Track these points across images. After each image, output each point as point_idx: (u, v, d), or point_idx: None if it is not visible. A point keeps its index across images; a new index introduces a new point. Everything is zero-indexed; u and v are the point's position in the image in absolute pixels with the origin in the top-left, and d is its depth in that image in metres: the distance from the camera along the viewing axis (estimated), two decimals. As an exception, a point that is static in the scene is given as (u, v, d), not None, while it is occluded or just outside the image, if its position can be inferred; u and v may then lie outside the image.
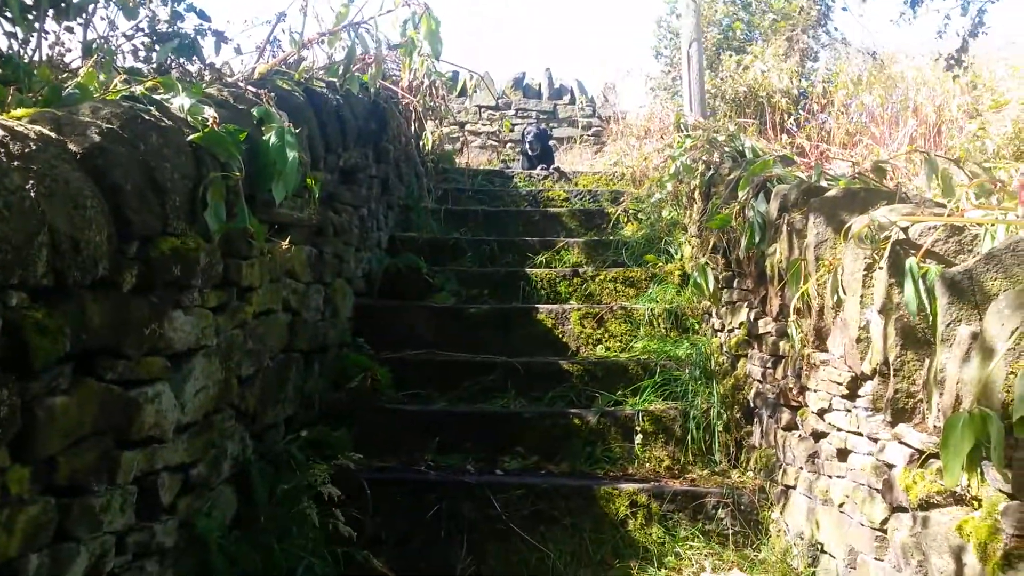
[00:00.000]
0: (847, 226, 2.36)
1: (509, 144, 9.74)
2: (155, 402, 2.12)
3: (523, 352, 4.19)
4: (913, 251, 2.00)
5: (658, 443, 3.53)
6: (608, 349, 4.35)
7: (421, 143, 5.82)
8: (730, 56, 9.78)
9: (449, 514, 3.00)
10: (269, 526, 2.57)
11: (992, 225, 1.98)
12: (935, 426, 1.87)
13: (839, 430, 2.46)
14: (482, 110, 10.06)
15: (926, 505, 1.87)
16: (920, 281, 1.93)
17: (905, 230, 2.06)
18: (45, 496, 1.68)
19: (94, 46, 3.52)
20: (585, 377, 3.92)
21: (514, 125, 9.78)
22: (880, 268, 2.11)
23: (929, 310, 1.95)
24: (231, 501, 2.66)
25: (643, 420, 3.54)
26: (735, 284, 3.76)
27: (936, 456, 1.87)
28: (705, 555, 2.88)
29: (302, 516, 2.60)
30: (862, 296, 2.26)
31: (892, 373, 2.05)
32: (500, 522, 2.98)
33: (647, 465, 3.47)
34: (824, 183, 2.93)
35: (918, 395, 2.02)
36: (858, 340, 2.27)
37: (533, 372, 3.95)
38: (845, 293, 2.35)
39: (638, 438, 3.52)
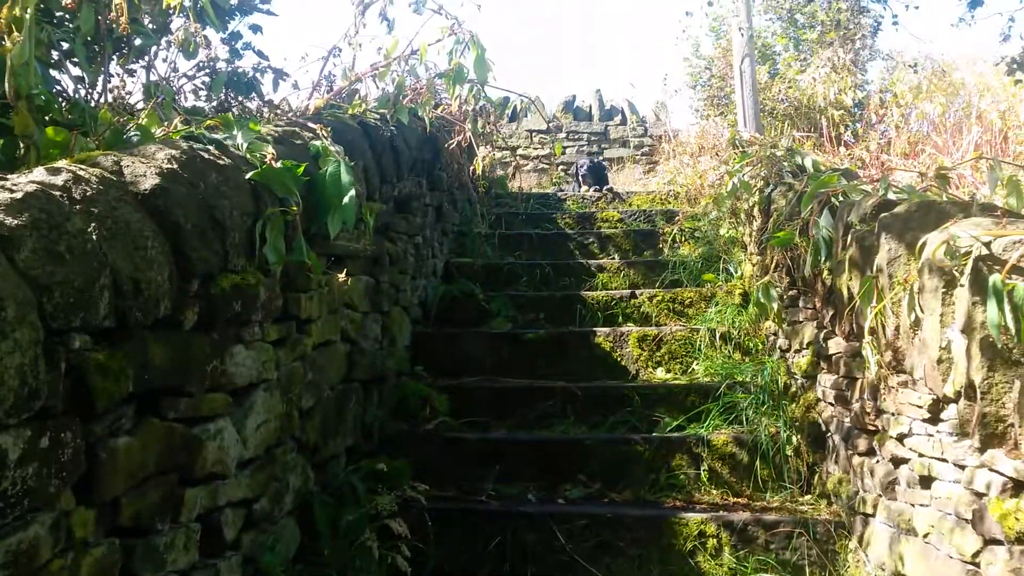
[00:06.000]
0: (922, 242, 2.25)
1: (561, 167, 9.73)
2: (217, 439, 2.12)
3: (581, 376, 4.13)
4: (997, 267, 1.89)
5: (724, 470, 3.41)
6: (668, 372, 4.25)
7: (472, 168, 5.83)
8: (788, 66, 9.60)
9: (512, 545, 2.94)
10: (332, 560, 2.55)
11: (1084, 237, 1.85)
12: (1031, 454, 1.74)
13: (921, 456, 2.33)
14: (533, 134, 10.08)
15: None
16: (1006, 298, 1.81)
17: (987, 244, 1.95)
18: (109, 538, 1.68)
19: (155, 88, 3.62)
20: (645, 401, 3.83)
21: (565, 148, 9.75)
22: (961, 286, 2.00)
23: (1016, 329, 1.83)
24: (294, 534, 2.65)
25: (708, 447, 3.43)
26: (800, 303, 3.63)
27: (1033, 486, 1.75)
28: (780, 588, 2.75)
29: (364, 549, 2.58)
30: (942, 315, 2.13)
31: (979, 396, 1.93)
32: (564, 553, 2.91)
33: (713, 492, 3.36)
34: (892, 196, 2.81)
35: (1008, 419, 1.90)
36: (939, 361, 2.15)
37: (592, 397, 3.88)
38: (923, 312, 2.23)
39: (703, 465, 3.41)
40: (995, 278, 1.83)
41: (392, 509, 2.73)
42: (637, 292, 4.83)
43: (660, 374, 4.23)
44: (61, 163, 1.82)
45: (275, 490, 2.51)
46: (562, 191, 7.84)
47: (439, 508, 3.04)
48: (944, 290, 2.12)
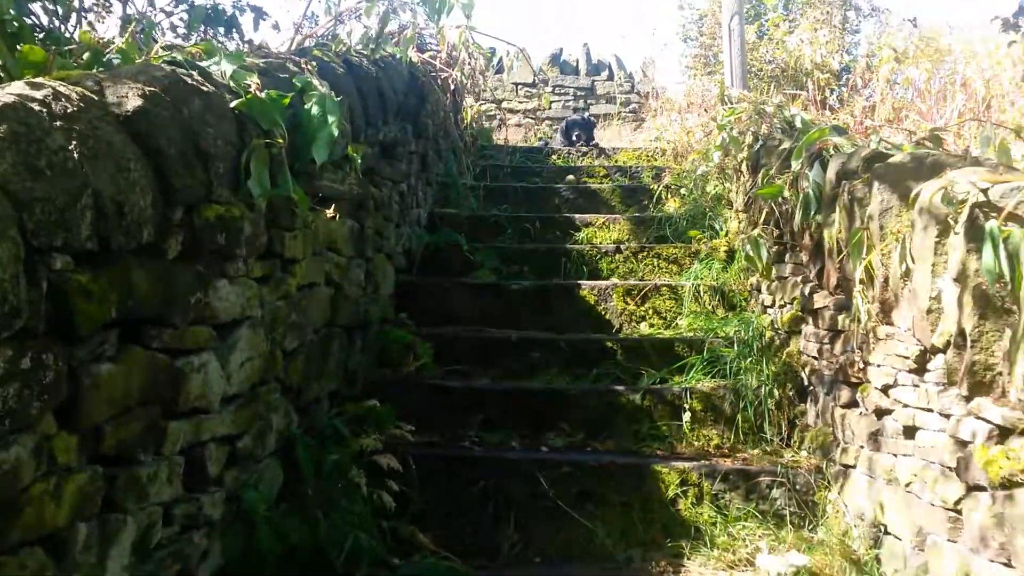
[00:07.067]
0: (916, 192, 2.23)
1: (547, 121, 9.61)
2: (201, 372, 2.08)
3: (565, 329, 4.12)
4: (994, 214, 1.88)
5: (707, 422, 3.43)
6: (652, 326, 4.25)
7: (459, 119, 5.74)
8: (776, 27, 9.51)
9: (495, 491, 2.94)
10: (316, 500, 2.53)
11: (1082, 185, 1.85)
12: (1019, 399, 1.75)
13: (905, 406, 2.35)
14: (519, 87, 9.93)
15: (1008, 484, 1.76)
16: (1002, 245, 1.80)
17: (985, 191, 1.94)
18: (92, 465, 1.65)
19: (132, 20, 3.50)
20: (630, 355, 3.83)
21: (552, 103, 9.63)
22: (956, 233, 1.99)
23: (1010, 277, 1.83)
24: (278, 475, 2.63)
25: (691, 398, 3.44)
26: (787, 258, 3.63)
27: (1022, 433, 1.76)
28: (759, 535, 2.78)
29: (349, 488, 2.57)
30: (933, 265, 2.13)
31: (969, 344, 1.93)
32: (547, 499, 2.91)
33: (695, 444, 3.38)
34: (884, 150, 2.79)
35: (997, 367, 1.91)
36: (928, 311, 2.15)
37: (576, 349, 3.88)
38: (914, 262, 2.22)
39: (686, 416, 3.42)
40: (992, 224, 1.82)
41: (378, 446, 2.71)
42: (622, 247, 4.81)
43: (644, 328, 4.23)
44: (41, 79, 1.74)
45: (259, 429, 2.48)
46: (548, 145, 7.76)
47: (423, 453, 3.03)
48: (937, 239, 2.11)
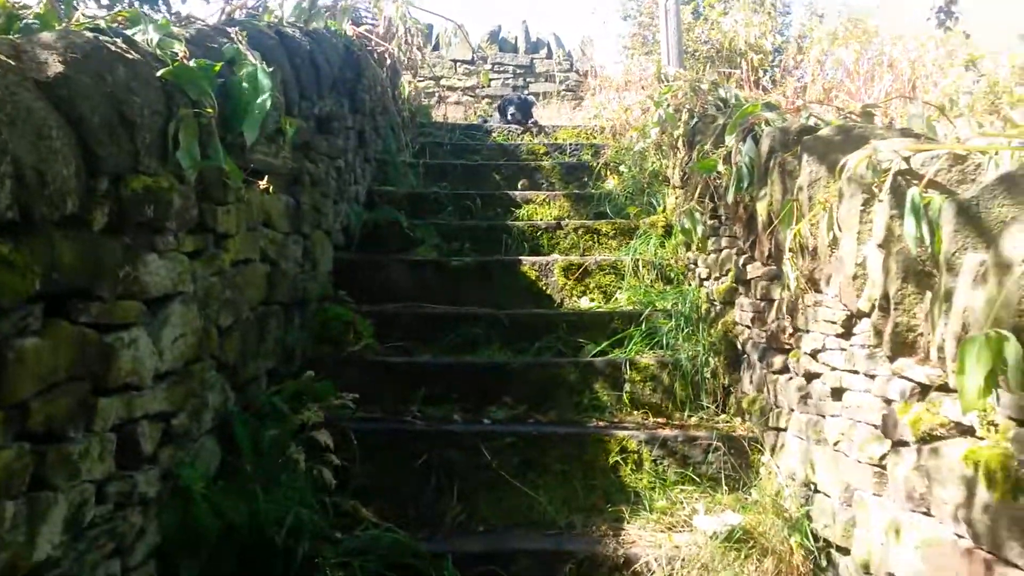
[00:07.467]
0: (843, 162, 2.30)
1: (486, 99, 9.56)
2: (132, 347, 2.02)
3: (507, 305, 4.13)
4: (916, 181, 1.95)
5: (646, 391, 3.50)
6: (593, 301, 4.30)
7: (397, 94, 5.67)
8: (712, 7, 9.63)
9: (438, 463, 2.95)
10: (255, 476, 2.50)
11: (996, 153, 1.93)
12: (939, 358, 1.83)
13: (833, 369, 2.43)
14: (458, 64, 9.85)
15: (929, 438, 1.85)
16: (923, 211, 1.88)
17: (907, 159, 2.01)
18: (19, 442, 1.59)
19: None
20: (571, 328, 3.87)
21: (491, 80, 9.58)
22: (880, 201, 2.06)
23: (930, 241, 1.91)
24: (215, 452, 2.58)
25: (630, 369, 3.51)
26: (722, 232, 3.71)
27: (940, 389, 1.85)
28: (696, 498, 2.86)
29: (289, 464, 2.54)
30: (859, 232, 2.21)
31: (892, 307, 2.01)
32: (490, 470, 2.94)
33: (635, 414, 3.45)
34: (814, 124, 2.87)
35: (919, 328, 1.99)
36: (854, 277, 2.23)
37: (518, 324, 3.90)
38: (841, 230, 2.30)
39: (626, 387, 3.49)
40: (913, 191, 1.89)
41: (318, 419, 2.69)
42: (563, 223, 4.85)
43: (585, 303, 4.28)
44: (-51, 41, 1.65)
45: (194, 407, 2.43)
46: (487, 123, 7.73)
47: (365, 428, 3.01)
48: (862, 208, 2.19)
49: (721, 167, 3.49)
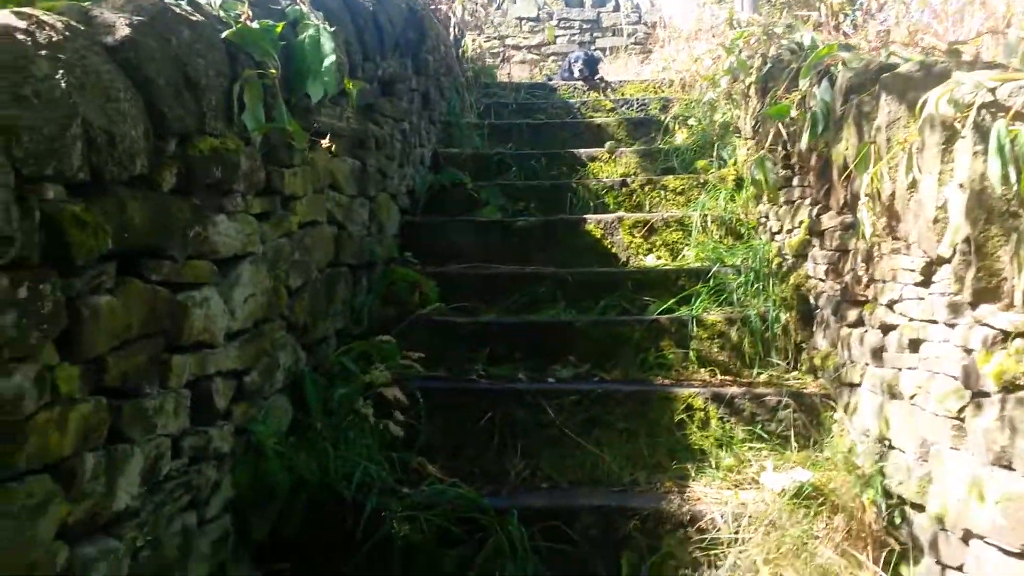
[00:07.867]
0: (923, 100, 2.17)
1: (552, 57, 9.41)
2: (203, 306, 2.09)
3: (572, 264, 4.10)
4: (1002, 114, 1.83)
5: (713, 349, 3.43)
6: (659, 258, 4.23)
7: (461, 53, 5.64)
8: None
9: (502, 421, 2.97)
10: (325, 433, 2.57)
11: (1092, 83, 1.79)
12: (1024, 303, 1.73)
13: (911, 320, 2.33)
14: (523, 22, 9.70)
15: (1012, 388, 1.76)
16: (1009, 146, 1.76)
17: (992, 91, 1.88)
18: (96, 396, 1.67)
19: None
20: (636, 286, 3.82)
21: (556, 36, 9.41)
22: (963, 137, 1.94)
23: (1016, 179, 1.79)
24: (286, 410, 2.67)
25: (697, 326, 3.44)
26: (794, 182, 3.58)
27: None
28: (765, 456, 2.80)
29: (357, 422, 2.60)
30: (940, 173, 2.09)
31: (974, 251, 1.91)
32: (553, 427, 2.94)
33: (702, 372, 3.39)
34: (895, 61, 2.72)
35: (1003, 273, 1.88)
36: (935, 221, 2.12)
37: (583, 282, 3.86)
38: (921, 172, 2.18)
39: (692, 344, 3.43)
40: (999, 124, 1.77)
41: (385, 379, 2.74)
42: (629, 180, 4.76)
43: (651, 261, 4.21)
44: (25, 9, 1.71)
45: (265, 365, 2.50)
46: (552, 81, 7.62)
47: (430, 387, 3.05)
48: (944, 146, 2.07)
49: (794, 112, 3.35)
